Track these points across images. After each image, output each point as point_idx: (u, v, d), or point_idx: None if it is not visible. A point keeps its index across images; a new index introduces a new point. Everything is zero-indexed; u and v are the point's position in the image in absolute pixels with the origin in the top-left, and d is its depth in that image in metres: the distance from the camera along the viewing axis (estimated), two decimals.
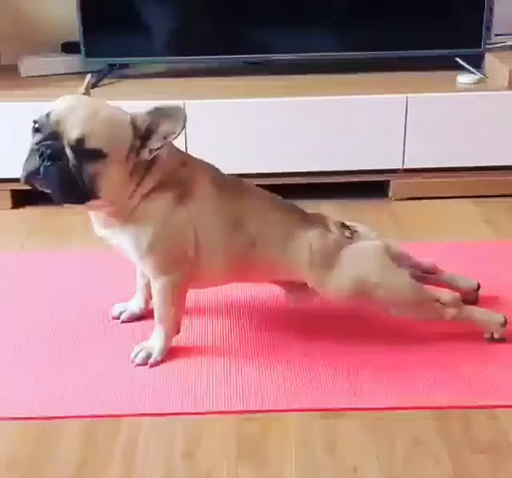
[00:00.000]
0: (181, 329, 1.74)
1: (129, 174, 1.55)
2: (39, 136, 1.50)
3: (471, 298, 1.86)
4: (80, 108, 1.50)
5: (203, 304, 1.93)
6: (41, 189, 1.53)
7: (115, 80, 2.64)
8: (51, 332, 1.81)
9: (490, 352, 1.72)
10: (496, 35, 2.73)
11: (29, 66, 2.67)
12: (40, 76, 2.65)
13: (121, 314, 1.86)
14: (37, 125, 1.50)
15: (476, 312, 1.75)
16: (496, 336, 1.75)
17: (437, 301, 1.71)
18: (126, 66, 2.75)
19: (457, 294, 1.77)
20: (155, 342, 1.71)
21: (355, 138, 2.50)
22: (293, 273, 1.71)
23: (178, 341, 1.75)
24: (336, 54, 2.67)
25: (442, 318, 1.72)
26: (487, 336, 1.76)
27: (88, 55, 2.56)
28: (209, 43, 2.62)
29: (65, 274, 2.09)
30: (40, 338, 1.79)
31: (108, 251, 2.17)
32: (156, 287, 1.68)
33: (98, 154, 1.48)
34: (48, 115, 1.49)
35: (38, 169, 1.48)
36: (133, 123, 1.53)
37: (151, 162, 1.58)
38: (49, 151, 1.47)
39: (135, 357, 1.70)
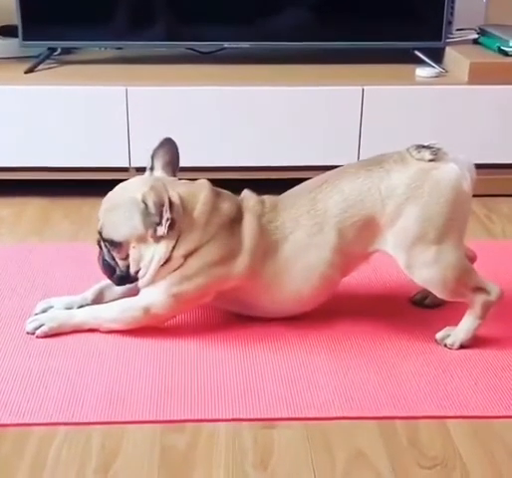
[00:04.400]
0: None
1: (155, 244, 1.59)
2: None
3: None
4: (106, 201, 1.65)
5: None
6: None
7: (56, 65, 2.50)
8: None
9: (442, 361, 1.59)
10: (457, 29, 2.66)
11: None
12: None
13: (44, 311, 1.70)
14: None
15: (484, 318, 1.63)
16: (449, 341, 1.63)
17: (477, 286, 1.59)
18: (68, 52, 2.61)
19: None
20: (61, 317, 1.65)
21: (308, 131, 2.38)
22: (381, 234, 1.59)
23: (100, 342, 1.61)
24: (292, 44, 2.56)
25: (467, 301, 1.61)
26: (440, 336, 1.64)
27: (25, 38, 2.42)
28: (157, 29, 2.49)
29: None
30: None
31: (38, 245, 2.06)
32: (138, 306, 1.63)
33: (113, 243, 1.62)
34: None
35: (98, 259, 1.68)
36: (144, 203, 1.56)
37: (191, 222, 1.60)
38: (98, 243, 1.66)
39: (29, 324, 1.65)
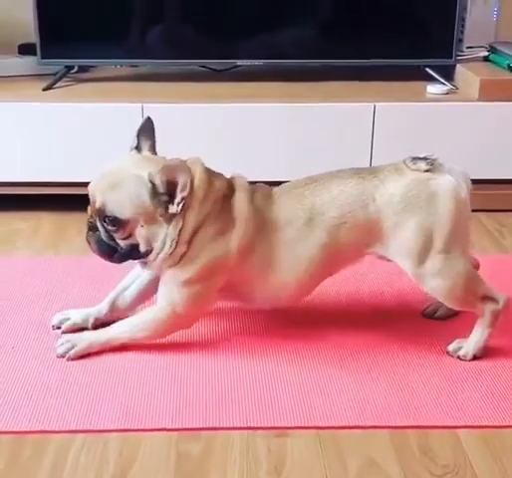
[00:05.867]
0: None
1: (166, 226, 1.57)
2: (88, 210, 1.61)
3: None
4: (104, 177, 1.58)
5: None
6: None
7: (73, 83, 2.55)
8: None
9: (453, 372, 1.61)
10: (468, 47, 2.69)
11: None
12: None
13: (61, 323, 1.74)
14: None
15: (494, 327, 1.65)
16: (462, 353, 1.65)
17: (484, 294, 1.62)
18: (85, 69, 2.66)
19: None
20: (90, 337, 1.65)
21: (320, 147, 2.41)
22: (373, 238, 1.61)
23: (117, 352, 1.64)
24: (304, 61, 2.61)
25: (474, 310, 1.63)
26: (452, 348, 1.66)
27: (43, 56, 2.47)
28: (172, 47, 2.54)
29: (10, 281, 1.97)
30: None
31: (55, 258, 2.10)
32: (158, 312, 1.64)
33: (117, 222, 1.56)
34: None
35: (88, 241, 1.63)
36: (152, 182, 1.54)
37: (188, 206, 1.58)
38: (89, 224, 1.61)
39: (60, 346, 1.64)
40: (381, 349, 1.68)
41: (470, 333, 1.66)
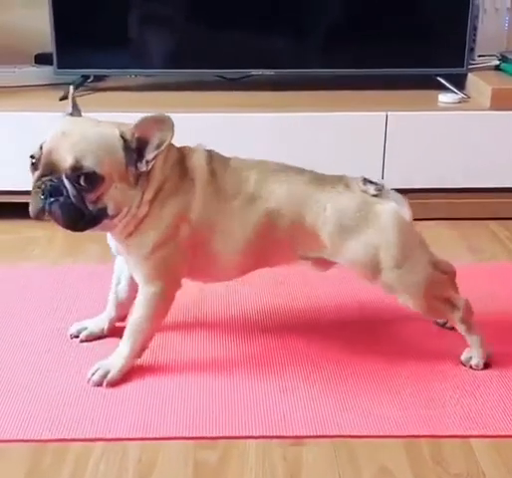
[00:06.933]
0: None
1: (133, 187, 1.53)
2: (37, 173, 1.48)
3: None
4: (70, 133, 1.48)
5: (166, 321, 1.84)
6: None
7: (89, 92, 2.58)
8: (3, 350, 1.72)
9: (465, 382, 1.63)
10: (479, 55, 2.71)
11: (0, 77, 2.60)
12: (11, 87, 2.58)
13: (79, 332, 1.77)
14: (34, 161, 1.49)
15: (477, 330, 1.68)
16: (473, 362, 1.67)
17: (448, 300, 1.65)
18: (100, 79, 2.69)
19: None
20: (117, 359, 1.62)
21: (332, 156, 2.44)
22: (313, 244, 1.62)
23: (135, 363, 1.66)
24: (316, 71, 2.63)
25: (446, 318, 1.66)
26: (464, 358, 1.68)
27: (60, 66, 2.51)
28: (186, 56, 2.57)
29: (25, 291, 2.00)
30: None
31: (71, 266, 2.13)
32: (143, 295, 1.61)
33: (95, 179, 1.46)
34: (41, 147, 1.48)
35: (43, 207, 1.47)
36: (123, 138, 1.50)
37: (151, 169, 1.54)
38: (49, 188, 1.46)
39: (92, 375, 1.61)
40: (394, 359, 1.70)
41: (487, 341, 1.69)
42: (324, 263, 1.69)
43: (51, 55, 2.52)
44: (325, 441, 1.45)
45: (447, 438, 1.46)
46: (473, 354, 1.68)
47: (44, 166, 1.47)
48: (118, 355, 1.63)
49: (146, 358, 1.67)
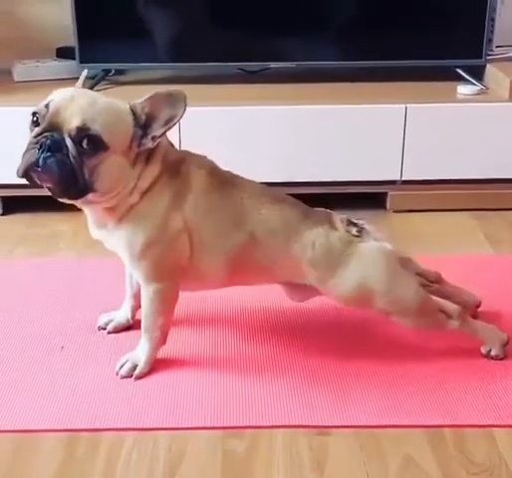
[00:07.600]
0: (168, 340, 1.68)
1: (131, 166, 1.50)
2: (38, 129, 1.44)
3: (470, 313, 1.79)
4: (79, 97, 1.45)
5: (192, 314, 1.88)
6: (40, 183, 1.45)
7: (110, 86, 2.61)
8: (35, 342, 1.76)
9: (489, 370, 1.66)
10: (498, 46, 2.72)
11: (22, 71, 2.64)
12: (33, 81, 2.61)
13: (107, 324, 1.81)
14: (36, 118, 1.45)
15: (479, 326, 1.71)
16: (493, 353, 1.70)
17: (442, 311, 1.67)
18: (121, 72, 2.72)
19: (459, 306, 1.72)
20: (141, 353, 1.66)
21: (352, 149, 2.46)
22: (295, 273, 1.64)
23: (164, 352, 1.69)
24: (335, 63, 2.64)
25: (444, 329, 1.68)
26: (484, 351, 1.71)
27: (82, 60, 2.53)
28: (206, 50, 2.58)
29: (53, 282, 2.04)
30: (23, 348, 1.73)
31: (97, 259, 2.16)
32: (146, 294, 1.63)
33: (98, 144, 1.42)
34: (47, 105, 1.45)
35: (37, 161, 1.41)
36: (133, 111, 1.49)
37: (151, 155, 1.53)
38: (48, 142, 1.41)
39: (120, 368, 1.64)
40: (416, 351, 1.73)
41: (502, 331, 1.72)
42: (304, 290, 1.70)
43: (73, 49, 2.54)
44: (350, 431, 1.49)
45: (469, 428, 1.49)
46: (491, 345, 1.71)
47: (48, 123, 1.43)
48: (142, 348, 1.67)
49: (171, 352, 1.71)
